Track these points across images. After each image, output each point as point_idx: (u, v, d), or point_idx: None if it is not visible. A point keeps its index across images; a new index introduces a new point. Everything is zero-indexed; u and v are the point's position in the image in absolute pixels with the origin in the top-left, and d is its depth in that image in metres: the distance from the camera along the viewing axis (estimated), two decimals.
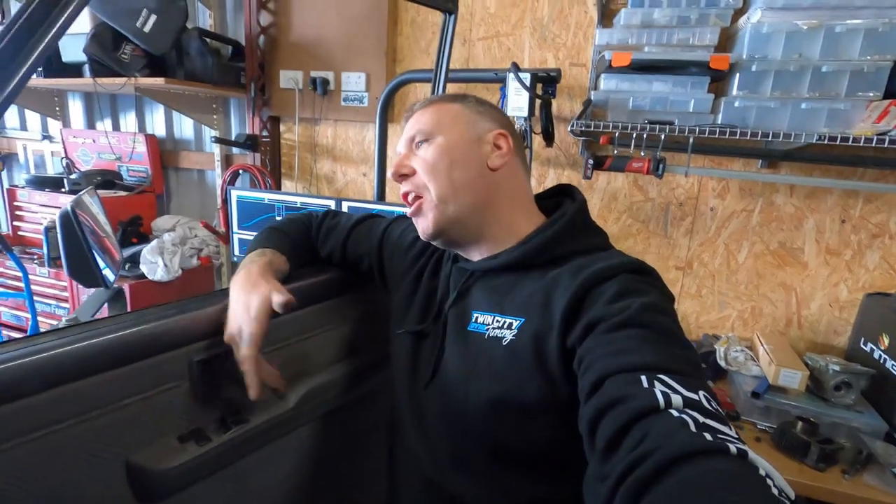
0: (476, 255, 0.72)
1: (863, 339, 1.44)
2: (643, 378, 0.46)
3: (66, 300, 2.14)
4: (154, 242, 2.03)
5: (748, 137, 1.28)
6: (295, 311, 0.81)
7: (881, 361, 1.33)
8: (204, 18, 2.21)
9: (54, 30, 0.54)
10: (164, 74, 1.85)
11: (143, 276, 1.96)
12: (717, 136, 1.31)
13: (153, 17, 1.64)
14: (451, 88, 1.59)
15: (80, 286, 2.03)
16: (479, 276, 0.71)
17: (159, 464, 0.63)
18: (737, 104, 1.32)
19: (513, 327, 0.63)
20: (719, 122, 1.35)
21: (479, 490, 0.66)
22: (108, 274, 0.82)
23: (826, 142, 1.22)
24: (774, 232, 1.59)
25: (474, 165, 0.69)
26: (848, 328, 1.56)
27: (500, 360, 0.63)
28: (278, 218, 1.82)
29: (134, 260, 1.99)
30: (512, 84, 1.44)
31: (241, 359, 0.67)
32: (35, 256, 2.21)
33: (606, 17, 1.59)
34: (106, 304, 0.84)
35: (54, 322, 2.10)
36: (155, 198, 2.43)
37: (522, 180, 0.73)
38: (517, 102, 1.45)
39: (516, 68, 1.43)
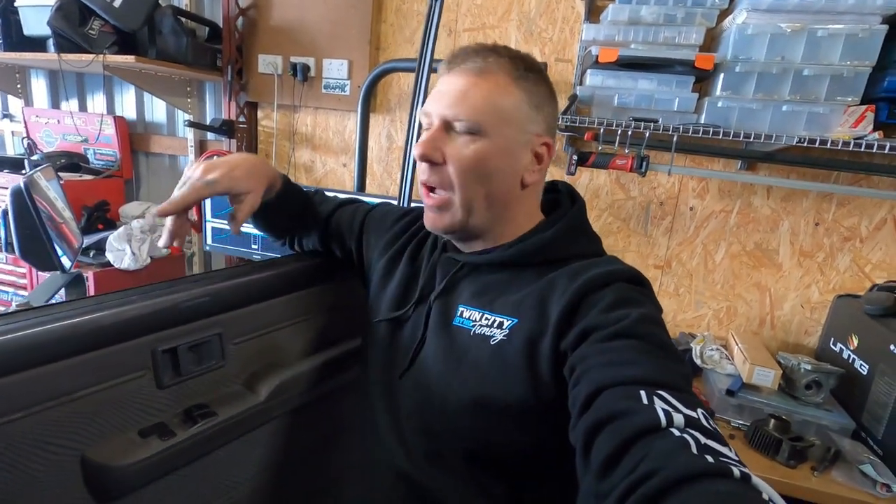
0: (469, 246, 0.69)
1: (832, 340, 1.47)
2: (643, 393, 0.45)
3: (24, 287, 2.03)
4: (121, 229, 1.94)
5: (730, 138, 1.29)
6: (267, 300, 0.78)
7: (850, 361, 1.36)
8: None
9: None
10: (135, 53, 1.76)
11: (108, 264, 1.87)
12: (700, 135, 1.32)
13: None
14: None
15: (39, 273, 1.92)
16: (469, 270, 0.69)
17: (118, 460, 0.59)
18: (720, 104, 1.33)
19: (503, 327, 0.61)
20: (702, 121, 1.36)
21: (454, 486, 0.65)
22: (66, 261, 0.77)
23: (805, 144, 1.24)
24: (751, 233, 1.62)
25: (510, 179, 0.63)
26: (818, 328, 1.60)
27: (486, 360, 0.61)
28: None
29: (99, 247, 1.89)
30: None
31: (191, 188, 0.68)
32: None
33: (593, 12, 1.58)
34: (63, 291, 0.79)
35: (2, 309, 1.99)
36: (123, 183, 2.32)
37: (541, 189, 0.70)
38: None
39: None
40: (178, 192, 0.69)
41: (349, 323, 0.91)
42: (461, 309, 0.66)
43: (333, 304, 0.91)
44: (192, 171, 0.70)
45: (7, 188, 2.03)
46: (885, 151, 1.23)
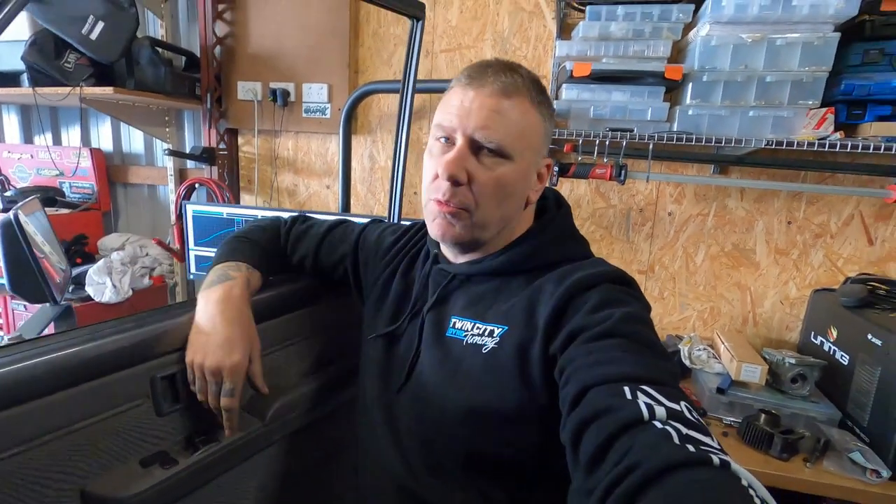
0: (464, 257, 0.70)
1: (812, 333, 1.52)
2: (626, 389, 0.46)
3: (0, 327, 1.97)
4: (101, 262, 1.91)
5: (703, 143, 1.35)
6: (264, 322, 0.78)
7: (831, 353, 1.40)
8: (154, 28, 2.12)
9: None
10: (112, 84, 1.75)
11: (89, 298, 1.83)
12: (674, 142, 1.37)
13: (101, 24, 1.56)
14: (415, 101, 1.59)
15: (14, 309, 1.87)
16: (461, 281, 0.70)
17: (119, 491, 0.58)
18: (690, 112, 1.38)
19: (494, 335, 0.62)
20: (675, 129, 1.41)
21: (454, 495, 0.65)
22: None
23: (773, 147, 1.30)
24: (728, 234, 1.67)
25: (521, 199, 0.65)
26: (798, 323, 1.65)
27: (479, 368, 0.62)
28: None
29: (79, 281, 1.85)
30: None
31: (224, 406, 0.65)
32: None
33: (564, 30, 1.64)
34: (52, 324, 0.77)
35: None
36: (101, 215, 2.29)
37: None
38: None
39: None
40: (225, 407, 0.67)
41: (346, 341, 0.91)
42: (454, 320, 0.67)
43: (329, 324, 0.91)
44: (202, 383, 0.67)
45: None
46: (848, 150, 1.30)
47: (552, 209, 0.71)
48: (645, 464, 0.39)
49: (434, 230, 0.65)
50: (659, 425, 0.42)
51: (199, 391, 0.66)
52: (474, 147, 0.60)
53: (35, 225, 0.76)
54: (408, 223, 0.84)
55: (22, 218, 0.72)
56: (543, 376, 0.57)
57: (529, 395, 0.59)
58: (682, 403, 0.45)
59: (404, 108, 1.00)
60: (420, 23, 0.99)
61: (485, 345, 0.62)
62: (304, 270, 0.87)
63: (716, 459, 0.38)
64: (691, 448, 0.39)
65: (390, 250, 0.81)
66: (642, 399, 0.45)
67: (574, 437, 0.47)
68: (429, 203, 0.64)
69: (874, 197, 1.49)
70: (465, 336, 0.64)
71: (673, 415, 0.43)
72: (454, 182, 0.60)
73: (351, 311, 0.88)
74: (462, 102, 0.60)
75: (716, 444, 0.41)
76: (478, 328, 0.64)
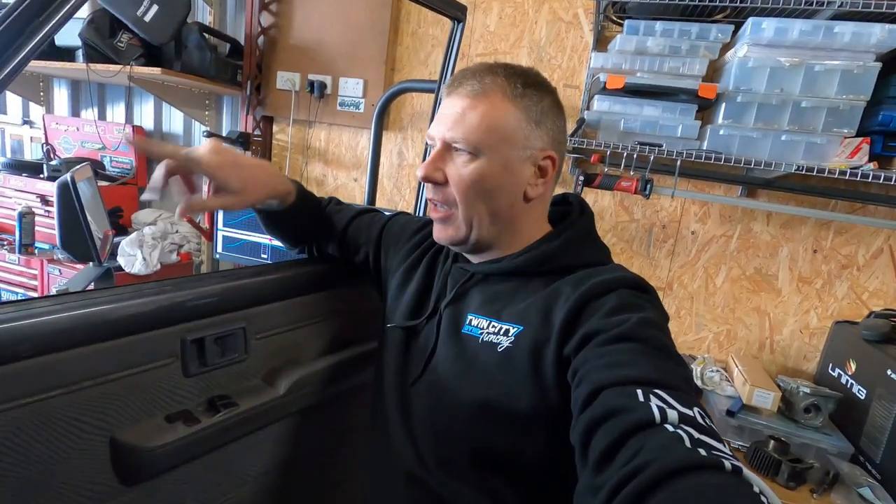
0: (479, 257, 0.72)
1: (831, 365, 1.50)
2: (639, 392, 0.46)
3: (34, 289, 2.06)
4: (133, 235, 1.99)
5: (732, 164, 1.34)
6: (289, 299, 0.81)
7: (848, 386, 1.38)
8: (203, 15, 2.21)
9: (52, 22, 0.53)
10: (160, 65, 1.83)
11: (119, 269, 1.91)
12: (703, 160, 1.37)
13: (155, 7, 1.64)
14: None
15: (50, 273, 1.95)
16: (479, 279, 0.71)
17: (145, 442, 0.62)
18: (721, 132, 1.38)
19: (509, 334, 0.63)
20: (705, 147, 1.41)
21: (465, 491, 0.66)
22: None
23: (804, 172, 1.29)
24: (751, 258, 1.65)
25: (511, 194, 0.65)
26: (816, 354, 1.62)
27: (493, 366, 0.63)
28: None
29: (111, 252, 1.93)
30: None
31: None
32: (5, 242, 2.13)
33: (601, 42, 1.65)
34: (92, 284, 0.83)
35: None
36: (137, 190, 2.37)
37: (548, 201, 0.72)
38: None
39: None
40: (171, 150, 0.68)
41: (363, 327, 0.94)
42: (470, 317, 0.68)
43: (348, 308, 0.94)
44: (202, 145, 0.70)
45: (25, 191, 2.11)
46: (881, 181, 1.28)
47: (574, 214, 0.72)
48: (655, 464, 0.38)
49: (434, 234, 0.70)
50: (671, 428, 0.42)
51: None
52: (448, 148, 0.64)
53: (84, 189, 0.81)
54: (429, 218, 0.86)
55: (76, 181, 0.77)
56: (556, 378, 0.58)
57: (542, 396, 0.59)
58: (695, 409, 0.45)
59: (438, 108, 1.03)
60: (461, 24, 1.01)
61: (499, 343, 0.63)
62: (328, 250, 0.90)
63: (727, 464, 0.38)
64: (703, 452, 0.39)
65: (412, 240, 0.83)
66: (655, 402, 0.44)
67: (584, 436, 0.47)
68: (428, 205, 0.70)
69: None
70: (481, 334, 0.65)
71: (685, 419, 0.43)
72: (431, 182, 0.65)
73: (368, 298, 0.91)
74: (442, 110, 0.65)
75: (727, 451, 0.41)
76: (493, 326, 0.65)
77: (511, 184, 0.65)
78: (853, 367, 1.38)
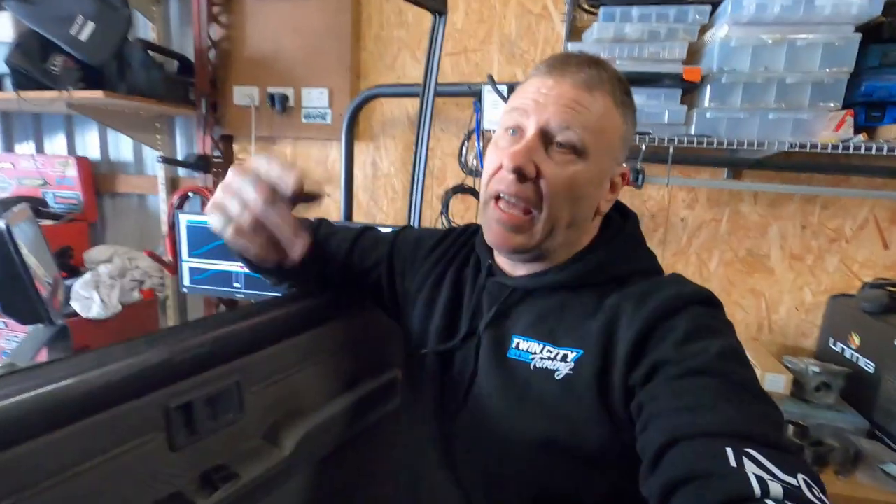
0: (523, 269, 0.63)
1: (832, 340, 1.49)
2: (729, 452, 0.39)
3: None
4: (88, 275, 1.81)
5: (724, 147, 1.31)
6: (286, 340, 0.71)
7: (853, 360, 1.37)
8: (146, 32, 2.04)
9: None
10: (101, 88, 1.66)
11: (75, 314, 1.73)
12: (694, 145, 1.33)
13: (90, 25, 1.48)
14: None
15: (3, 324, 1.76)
16: (521, 296, 0.63)
17: None
18: (708, 115, 1.35)
19: (568, 359, 0.55)
20: (692, 132, 1.38)
21: None
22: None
23: (797, 149, 1.27)
24: (742, 240, 1.64)
25: (592, 206, 0.59)
26: (814, 330, 1.62)
27: (553, 396, 0.55)
28: None
29: (66, 298, 1.75)
30: (489, 97, 1.41)
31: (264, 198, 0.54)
32: None
33: (574, 32, 1.60)
34: (45, 350, 0.70)
35: None
36: (87, 226, 2.18)
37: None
38: (494, 115, 1.42)
39: (493, 80, 1.40)
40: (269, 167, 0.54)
41: (375, 357, 0.84)
42: (517, 340, 0.60)
43: (357, 339, 0.84)
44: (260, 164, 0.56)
45: None
46: (865, 152, 1.27)
47: (617, 218, 0.65)
48: None
49: (491, 238, 0.59)
50: None
51: (234, 210, 0.54)
52: (546, 140, 0.55)
53: (24, 233, 0.68)
54: (440, 229, 0.78)
55: (12, 227, 0.64)
56: (627, 412, 0.51)
57: (612, 432, 0.52)
58: (800, 476, 0.37)
59: (425, 109, 0.95)
60: (443, 17, 0.94)
61: (557, 370, 0.55)
62: (329, 277, 0.78)
63: None
64: None
65: (431, 255, 0.74)
66: (750, 468, 0.37)
67: (662, 495, 0.40)
68: (488, 205, 0.58)
69: (889, 200, 1.48)
70: (533, 359, 0.58)
71: (790, 494, 0.36)
72: (520, 175, 0.54)
73: (377, 324, 0.81)
74: (539, 90, 0.56)
75: None
76: (548, 351, 0.57)
77: (595, 195, 0.58)
78: (857, 340, 1.37)
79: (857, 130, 1.31)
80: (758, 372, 1.33)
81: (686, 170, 1.63)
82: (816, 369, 1.34)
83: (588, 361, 0.54)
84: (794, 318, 1.64)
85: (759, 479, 0.37)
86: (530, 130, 0.55)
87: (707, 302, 0.54)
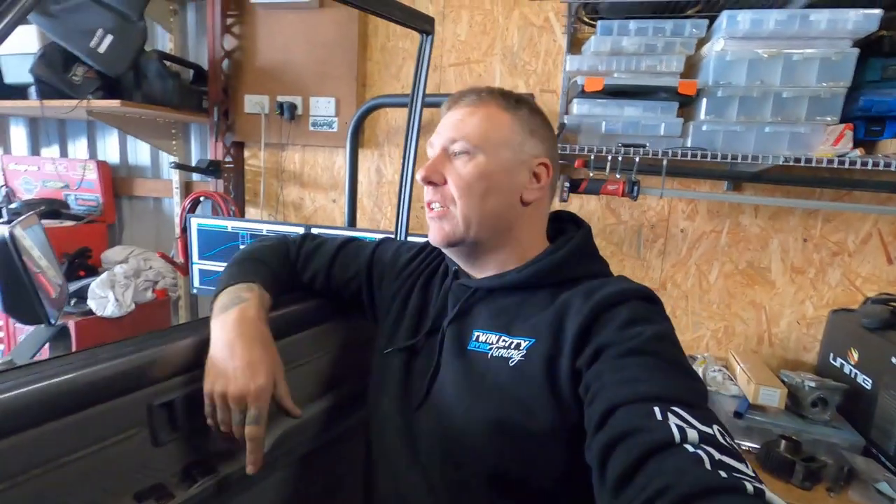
0: (479, 273, 0.70)
1: (831, 355, 1.47)
2: (656, 409, 0.45)
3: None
4: (104, 275, 1.89)
5: (718, 160, 1.32)
6: None
7: (852, 376, 1.35)
8: (164, 42, 2.13)
9: None
10: (119, 97, 1.75)
11: (90, 312, 1.80)
12: (688, 158, 1.34)
13: (109, 38, 1.56)
14: (424, 114, 1.57)
15: (17, 325, 1.84)
16: (483, 295, 0.69)
17: None
18: (704, 128, 1.36)
19: (521, 348, 0.61)
20: (689, 145, 1.39)
21: None
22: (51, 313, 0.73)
23: (792, 163, 1.27)
24: (742, 252, 1.63)
25: (508, 195, 0.66)
26: (815, 344, 1.60)
27: (506, 381, 0.60)
28: (242, 246, 1.73)
29: (81, 295, 1.83)
30: None
31: (249, 436, 0.61)
32: None
33: (574, 45, 1.63)
34: (47, 346, 0.74)
35: None
36: (106, 228, 2.28)
37: (546, 210, 0.72)
38: None
39: None
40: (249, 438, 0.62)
41: (355, 361, 0.87)
42: (477, 333, 0.65)
43: (338, 344, 0.87)
44: (225, 414, 0.62)
45: None
46: (869, 167, 1.26)
47: (571, 229, 0.72)
48: (675, 488, 0.38)
49: (431, 237, 0.68)
50: (690, 449, 0.41)
51: (221, 423, 0.62)
52: (448, 154, 0.66)
53: (32, 239, 0.73)
54: (422, 241, 0.82)
55: (19, 233, 0.69)
56: (572, 393, 0.56)
57: (559, 412, 0.57)
58: (715, 427, 0.44)
59: (413, 123, 0.98)
60: (430, 37, 0.97)
61: (511, 358, 0.61)
62: (315, 289, 0.84)
63: (749, 487, 0.37)
64: (724, 474, 0.38)
65: (406, 267, 0.79)
66: (673, 421, 0.44)
67: (601, 456, 0.46)
68: (425, 211, 0.69)
69: (893, 215, 1.46)
70: (490, 349, 0.63)
71: (705, 438, 0.42)
72: (429, 183, 0.66)
73: (359, 330, 0.85)
74: (443, 122, 0.69)
75: (750, 471, 0.40)
76: (504, 341, 0.62)
77: (507, 185, 0.65)
78: (856, 356, 1.36)
79: (856, 145, 1.31)
80: (751, 385, 1.34)
81: (686, 182, 1.63)
82: (813, 384, 1.33)
83: (539, 348, 0.59)
84: (795, 331, 1.62)
85: (679, 428, 0.43)
86: (436, 150, 0.68)
87: (647, 298, 0.60)
